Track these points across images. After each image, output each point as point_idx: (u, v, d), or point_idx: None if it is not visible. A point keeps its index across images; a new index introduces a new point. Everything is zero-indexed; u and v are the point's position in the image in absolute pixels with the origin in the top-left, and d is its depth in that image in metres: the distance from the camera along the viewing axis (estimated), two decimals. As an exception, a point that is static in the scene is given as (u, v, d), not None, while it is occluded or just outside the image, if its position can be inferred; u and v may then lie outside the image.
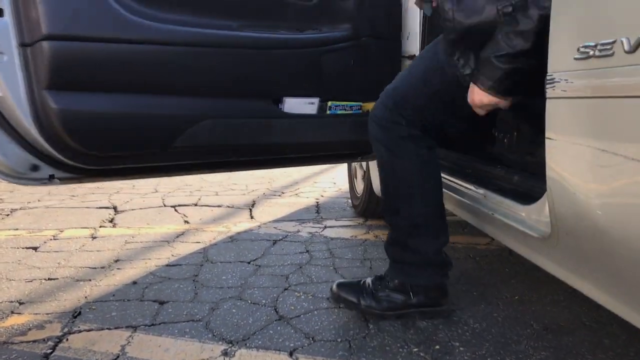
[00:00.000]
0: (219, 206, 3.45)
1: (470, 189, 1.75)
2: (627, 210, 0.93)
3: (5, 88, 1.53)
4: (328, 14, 2.01)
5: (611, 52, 0.89)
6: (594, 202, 0.99)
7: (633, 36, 0.85)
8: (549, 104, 1.08)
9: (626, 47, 0.86)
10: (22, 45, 1.51)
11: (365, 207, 3.00)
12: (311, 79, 1.99)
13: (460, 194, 1.79)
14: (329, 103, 2.04)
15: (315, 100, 2.01)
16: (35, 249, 2.51)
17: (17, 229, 2.87)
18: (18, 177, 1.66)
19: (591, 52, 0.94)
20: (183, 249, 2.51)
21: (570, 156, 1.04)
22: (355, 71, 2.08)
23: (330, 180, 4.40)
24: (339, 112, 2.08)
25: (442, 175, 1.98)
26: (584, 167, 1.01)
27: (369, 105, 2.07)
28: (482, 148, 2.23)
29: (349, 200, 3.48)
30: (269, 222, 3.04)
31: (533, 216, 1.30)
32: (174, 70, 1.71)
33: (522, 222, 1.36)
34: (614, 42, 0.89)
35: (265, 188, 4.12)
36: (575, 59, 0.99)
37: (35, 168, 1.67)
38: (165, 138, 1.74)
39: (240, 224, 2.99)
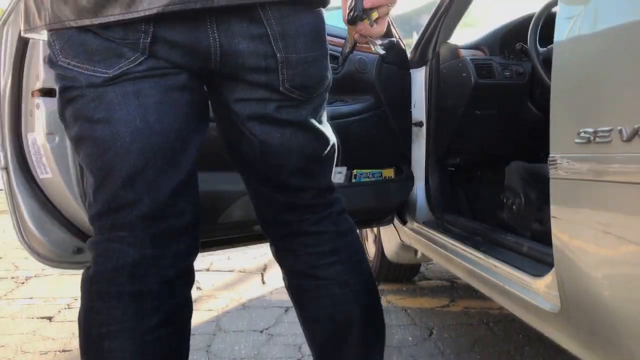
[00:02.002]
0: (230, 271, 3.46)
1: (480, 258, 1.77)
2: (632, 290, 0.95)
3: (55, 169, 1.53)
4: (351, 86, 2.07)
5: (609, 139, 0.94)
6: (600, 281, 1.01)
7: (629, 126, 0.89)
8: (552, 184, 1.11)
9: (623, 136, 0.90)
10: None
11: (377, 271, 3.00)
12: (340, 149, 2.04)
13: (471, 263, 1.80)
14: (355, 171, 2.09)
15: (343, 170, 2.06)
16: (49, 318, 2.52)
17: (31, 298, 2.89)
18: (59, 260, 1.63)
19: (591, 138, 0.99)
20: (196, 317, 2.49)
21: (575, 235, 1.07)
22: (376, 139, 2.14)
23: (341, 242, 4.41)
24: (363, 179, 2.13)
25: (453, 242, 2.01)
26: (589, 246, 1.04)
27: (388, 172, 2.14)
28: (491, 214, 2.26)
29: (360, 263, 3.48)
30: (281, 287, 3.02)
31: (543, 290, 1.32)
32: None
33: (532, 295, 1.37)
34: (611, 130, 0.93)
35: (276, 251, 4.12)
36: (576, 143, 1.03)
37: (79, 251, 1.63)
38: (211, 214, 1.73)
39: (252, 289, 3.00)
